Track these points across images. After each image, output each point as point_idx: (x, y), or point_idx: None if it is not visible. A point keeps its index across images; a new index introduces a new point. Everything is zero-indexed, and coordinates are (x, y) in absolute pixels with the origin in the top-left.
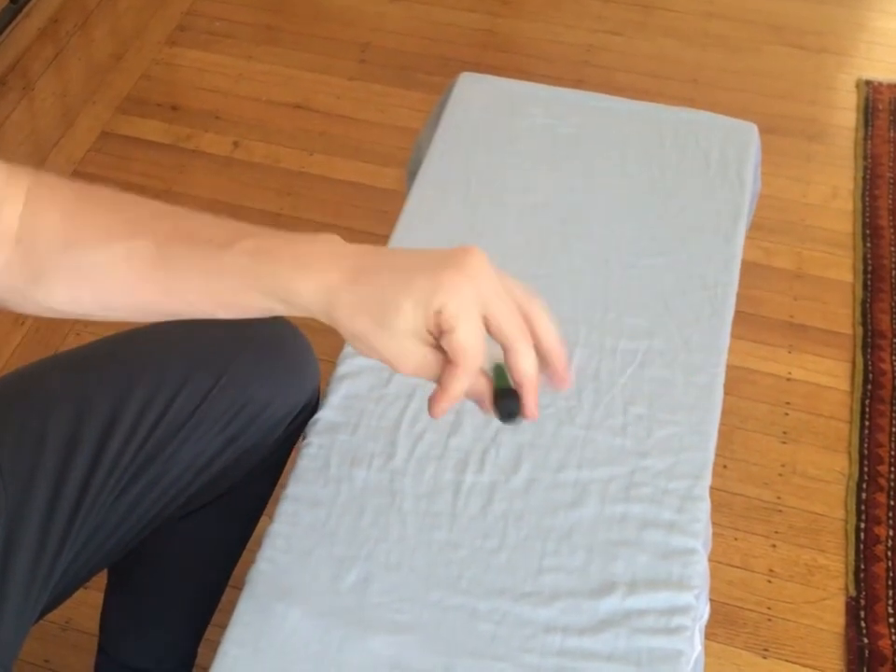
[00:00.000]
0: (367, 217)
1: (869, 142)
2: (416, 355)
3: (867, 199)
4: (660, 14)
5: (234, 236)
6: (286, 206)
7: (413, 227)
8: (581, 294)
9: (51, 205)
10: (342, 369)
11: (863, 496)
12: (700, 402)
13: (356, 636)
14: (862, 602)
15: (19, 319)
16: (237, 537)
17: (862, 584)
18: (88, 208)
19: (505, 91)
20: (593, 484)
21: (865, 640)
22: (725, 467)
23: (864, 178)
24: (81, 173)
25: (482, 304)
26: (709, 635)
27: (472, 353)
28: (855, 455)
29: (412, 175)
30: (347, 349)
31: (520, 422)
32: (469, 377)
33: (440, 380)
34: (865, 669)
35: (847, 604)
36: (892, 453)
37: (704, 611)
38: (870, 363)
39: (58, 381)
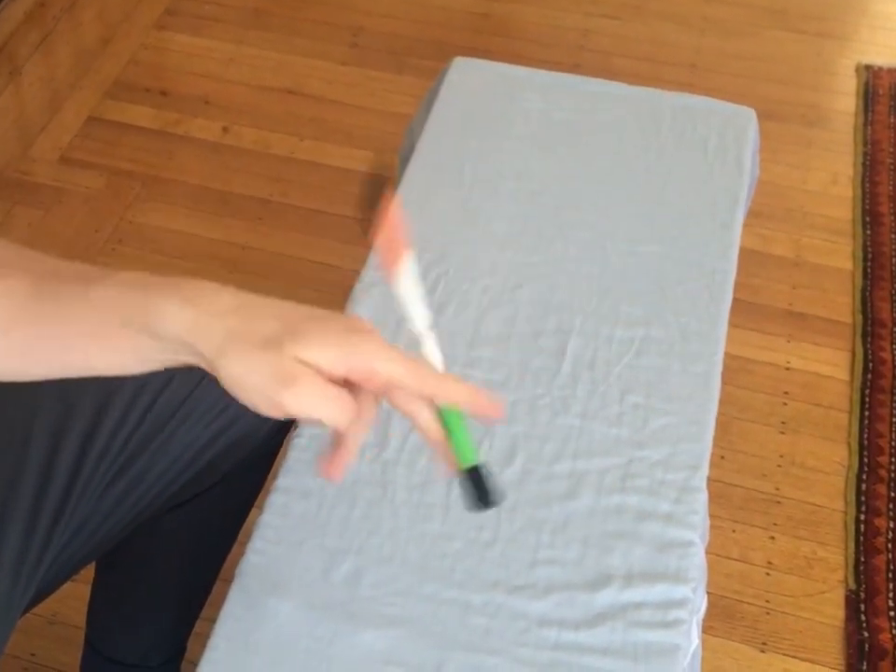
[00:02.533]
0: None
1: (869, 128)
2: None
3: (867, 185)
4: None
5: (109, 273)
6: (275, 192)
7: (404, 214)
8: (576, 282)
9: None
10: None
11: (863, 487)
12: (697, 392)
13: (347, 629)
14: (862, 595)
15: None
16: (227, 530)
17: (862, 577)
18: None
19: (499, 76)
20: (588, 475)
21: (865, 634)
22: (723, 457)
23: (864, 164)
24: (68, 158)
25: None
26: (707, 628)
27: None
28: (855, 446)
29: (404, 160)
30: None
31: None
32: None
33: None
34: (865, 663)
35: (847, 597)
36: (893, 443)
37: (701, 605)
38: (870, 352)
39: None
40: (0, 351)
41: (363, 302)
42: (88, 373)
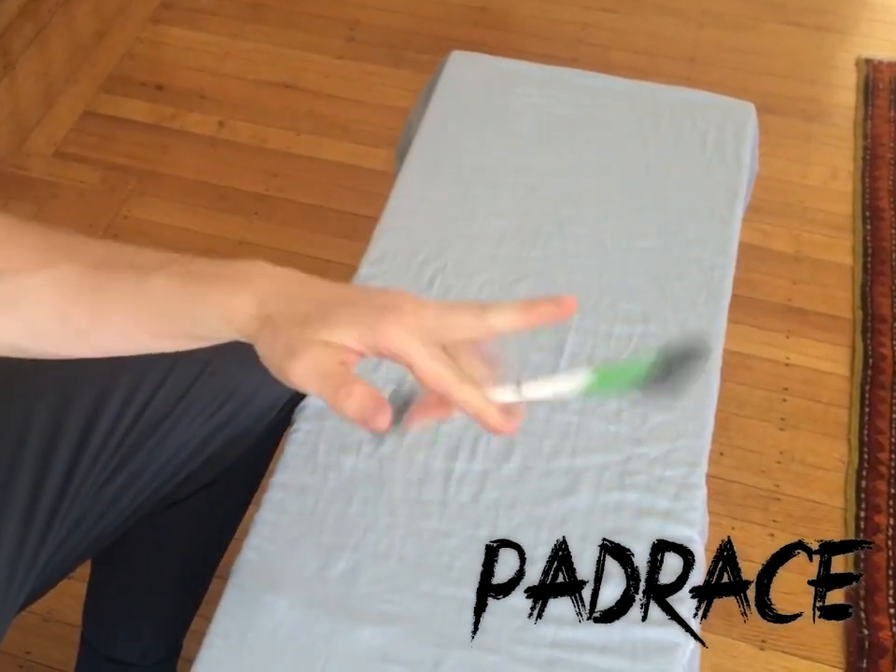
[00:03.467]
0: (355, 198)
1: (869, 122)
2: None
3: (867, 180)
4: None
5: (165, 262)
6: (272, 187)
7: (402, 209)
8: (574, 278)
9: None
10: None
11: (863, 483)
12: (696, 388)
13: (344, 627)
14: (862, 593)
15: None
16: (223, 526)
17: (862, 575)
18: (17, 235)
19: (497, 70)
20: (586, 472)
21: (865, 632)
22: (722, 454)
23: (864, 159)
24: (63, 153)
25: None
26: (706, 626)
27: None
28: (855, 442)
29: (401, 155)
30: None
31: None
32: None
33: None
34: (865, 661)
35: (847, 594)
36: (893, 440)
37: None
38: (870, 348)
39: (40, 371)
40: (58, 337)
41: None
42: (136, 353)
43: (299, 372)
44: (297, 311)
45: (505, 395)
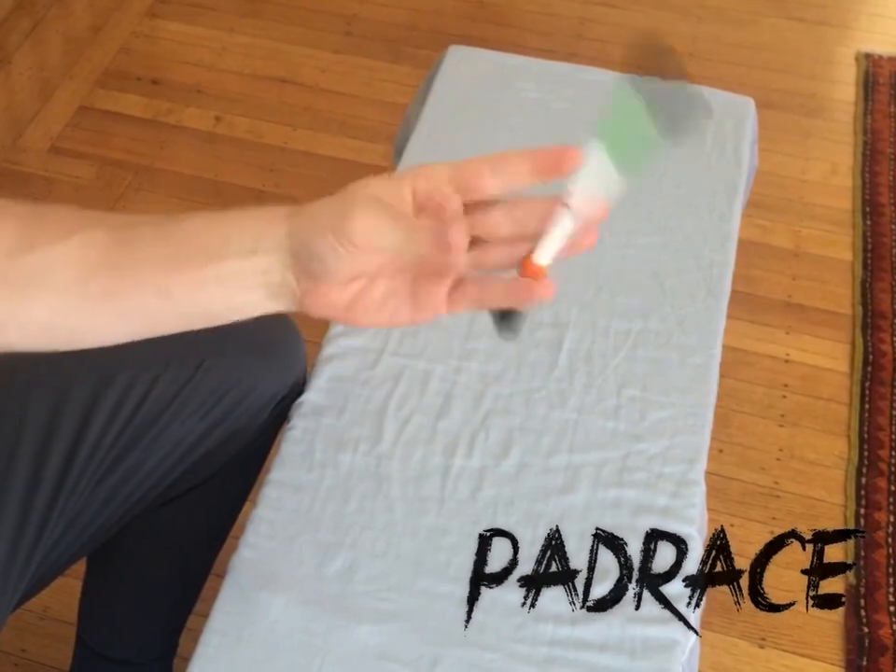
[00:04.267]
0: None
1: (869, 117)
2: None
3: (867, 175)
4: None
5: (187, 216)
6: (268, 183)
7: None
8: (572, 273)
9: (7, 215)
10: (327, 350)
11: (863, 480)
12: (695, 384)
13: (341, 625)
14: (862, 590)
15: None
16: (220, 524)
17: (862, 572)
18: (44, 213)
19: (496, 65)
20: (585, 469)
21: (865, 629)
22: (721, 451)
23: (864, 154)
24: (59, 148)
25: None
26: (705, 624)
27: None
28: (855, 439)
29: (399, 151)
30: (333, 330)
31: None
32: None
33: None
34: (865, 659)
35: (847, 592)
36: (893, 436)
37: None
38: (870, 344)
39: (36, 367)
40: (87, 305)
41: None
42: (172, 324)
43: (362, 224)
44: (332, 198)
45: (564, 222)
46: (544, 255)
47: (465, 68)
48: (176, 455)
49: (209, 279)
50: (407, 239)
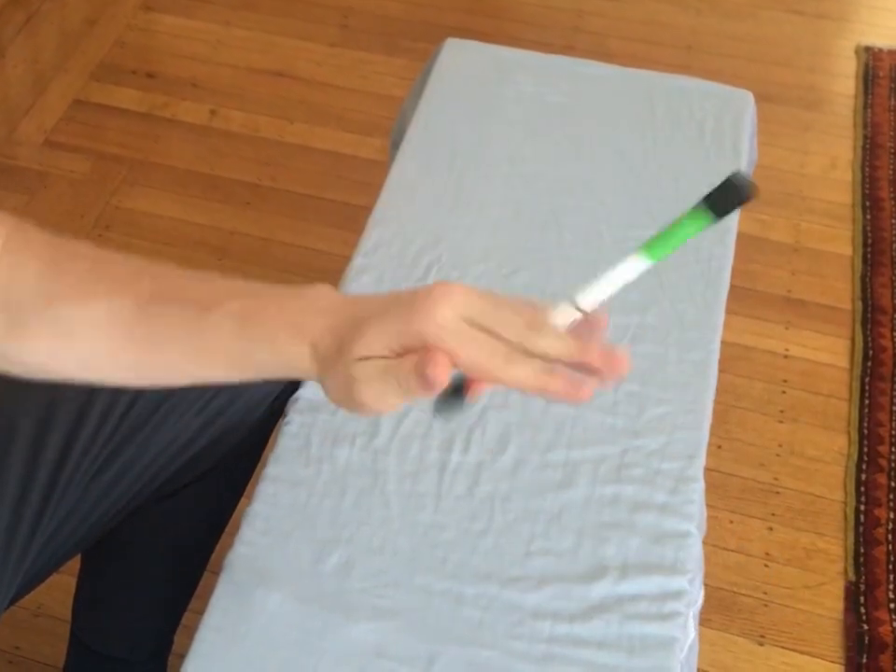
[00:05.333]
0: (348, 188)
1: (869, 110)
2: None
3: (867, 169)
4: None
5: (219, 296)
6: (264, 177)
7: (395, 199)
8: (570, 268)
9: (30, 256)
10: None
11: (863, 477)
12: (694, 380)
13: (337, 622)
14: (862, 587)
15: None
16: (215, 520)
17: (862, 568)
18: (67, 261)
19: (492, 58)
20: (583, 465)
21: (865, 627)
22: (720, 447)
23: (864, 148)
24: (53, 142)
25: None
26: (704, 621)
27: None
28: (854, 435)
29: (395, 144)
30: None
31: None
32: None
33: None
34: (865, 656)
35: (847, 589)
36: (893, 432)
37: (698, 597)
38: (870, 339)
39: None
40: (109, 371)
41: (353, 289)
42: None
43: (369, 399)
44: (340, 340)
45: (565, 317)
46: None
47: (461, 61)
48: (172, 451)
49: (235, 374)
50: (400, 390)
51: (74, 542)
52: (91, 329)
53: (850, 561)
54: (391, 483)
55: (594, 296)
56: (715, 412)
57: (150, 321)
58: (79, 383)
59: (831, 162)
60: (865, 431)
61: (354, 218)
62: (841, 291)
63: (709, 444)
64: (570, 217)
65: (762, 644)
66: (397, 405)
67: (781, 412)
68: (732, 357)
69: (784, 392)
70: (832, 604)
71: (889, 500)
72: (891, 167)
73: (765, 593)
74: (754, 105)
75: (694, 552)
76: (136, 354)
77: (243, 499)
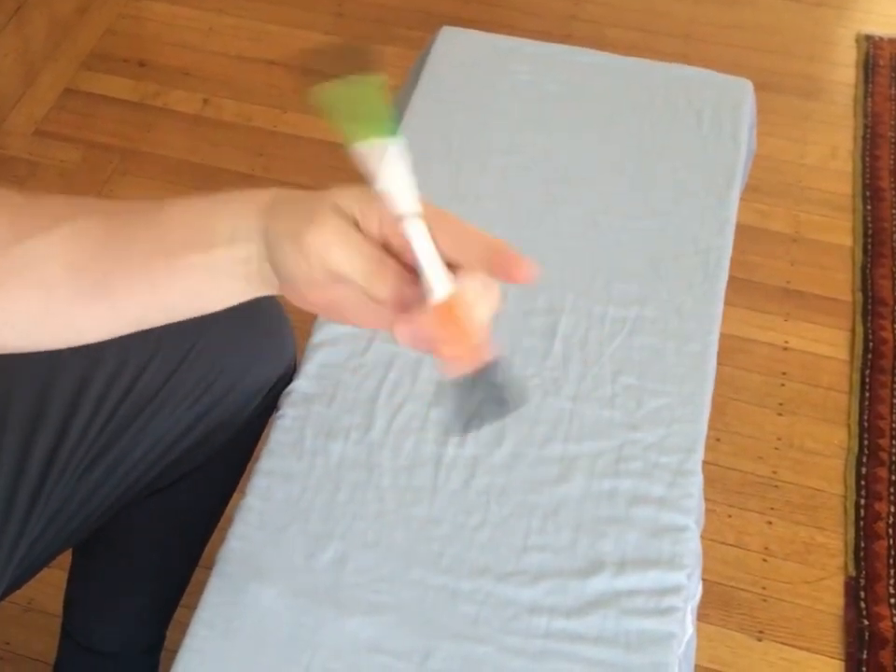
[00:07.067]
0: (343, 178)
1: (869, 100)
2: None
3: (867, 159)
4: None
5: (169, 202)
6: (258, 167)
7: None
8: (567, 259)
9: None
10: (317, 337)
11: (863, 470)
12: (692, 372)
13: (331, 617)
14: (862, 582)
15: None
16: (208, 514)
17: (862, 563)
18: (35, 202)
19: (489, 47)
20: (580, 459)
21: (865, 622)
22: (718, 440)
23: (864, 138)
24: (44, 132)
25: None
26: (702, 616)
27: None
28: (855, 428)
29: None
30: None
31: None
32: None
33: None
34: (865, 652)
35: (847, 584)
36: (894, 425)
37: (696, 591)
38: (870, 331)
39: (20, 357)
40: (73, 298)
41: None
42: (159, 317)
43: (320, 239)
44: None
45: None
46: (440, 284)
47: (457, 50)
48: (164, 445)
49: (193, 267)
50: (366, 274)
51: (65, 536)
52: (54, 253)
53: (850, 556)
54: (386, 478)
55: (400, 195)
56: (713, 404)
57: (111, 232)
58: (46, 343)
59: (831, 152)
60: (866, 424)
61: None
62: (841, 282)
63: (708, 437)
64: (567, 206)
65: (760, 640)
66: (338, 274)
67: (780, 404)
68: (730, 349)
69: (783, 385)
70: (831, 599)
71: (889, 494)
72: (892, 157)
73: (764, 588)
74: (753, 94)
75: (692, 546)
76: (101, 263)
77: (236, 493)
